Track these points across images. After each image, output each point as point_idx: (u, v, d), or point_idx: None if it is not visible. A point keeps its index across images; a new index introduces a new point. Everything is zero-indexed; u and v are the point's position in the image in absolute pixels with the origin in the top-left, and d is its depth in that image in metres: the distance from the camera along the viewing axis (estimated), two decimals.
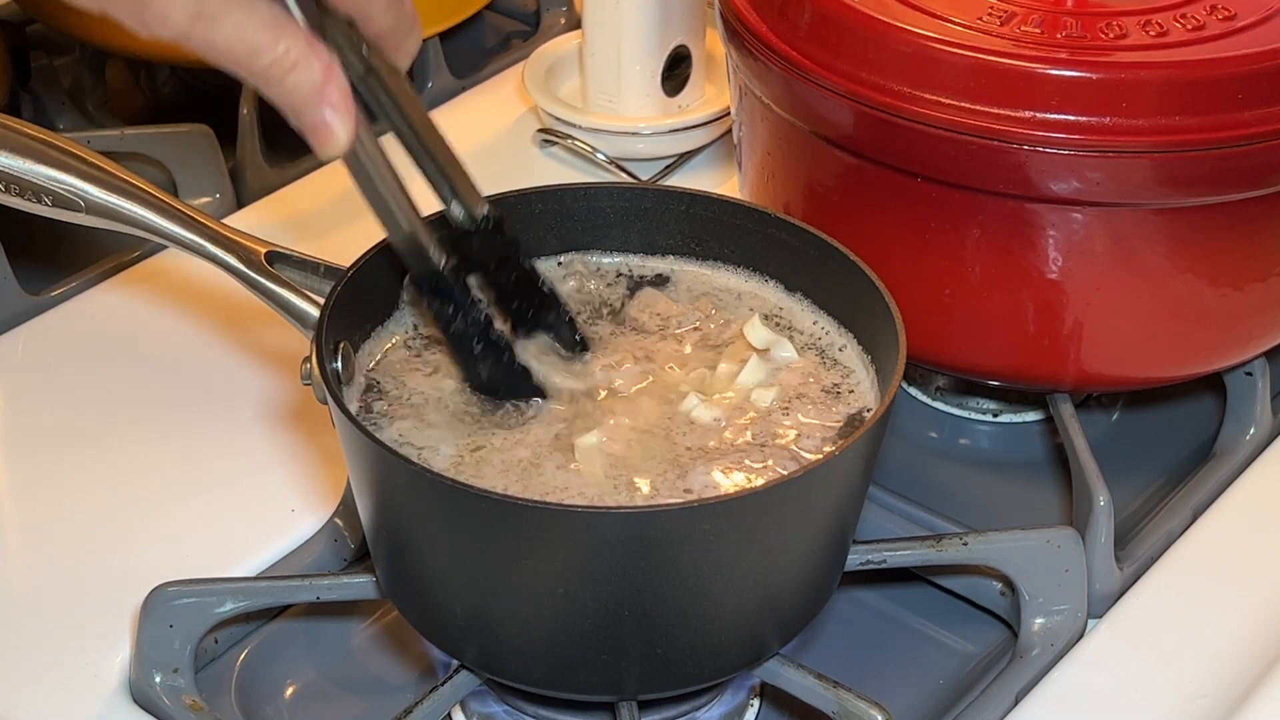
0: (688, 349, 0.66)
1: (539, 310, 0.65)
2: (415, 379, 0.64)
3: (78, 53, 1.06)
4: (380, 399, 0.63)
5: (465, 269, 0.63)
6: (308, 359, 0.61)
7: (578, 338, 0.65)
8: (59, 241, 0.96)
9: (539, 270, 0.66)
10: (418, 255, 0.60)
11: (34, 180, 0.65)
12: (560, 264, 0.70)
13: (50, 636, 0.69)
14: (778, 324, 0.67)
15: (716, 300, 0.68)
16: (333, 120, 0.55)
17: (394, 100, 0.61)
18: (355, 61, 0.59)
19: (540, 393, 0.63)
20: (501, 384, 0.62)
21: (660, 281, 0.69)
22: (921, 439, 0.83)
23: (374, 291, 0.65)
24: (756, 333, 0.65)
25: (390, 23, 0.59)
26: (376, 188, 0.58)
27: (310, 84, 0.54)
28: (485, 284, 0.65)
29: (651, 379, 0.64)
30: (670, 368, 0.65)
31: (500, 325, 0.64)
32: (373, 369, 0.65)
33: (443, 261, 0.60)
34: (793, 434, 0.62)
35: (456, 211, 0.63)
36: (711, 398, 0.63)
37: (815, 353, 0.66)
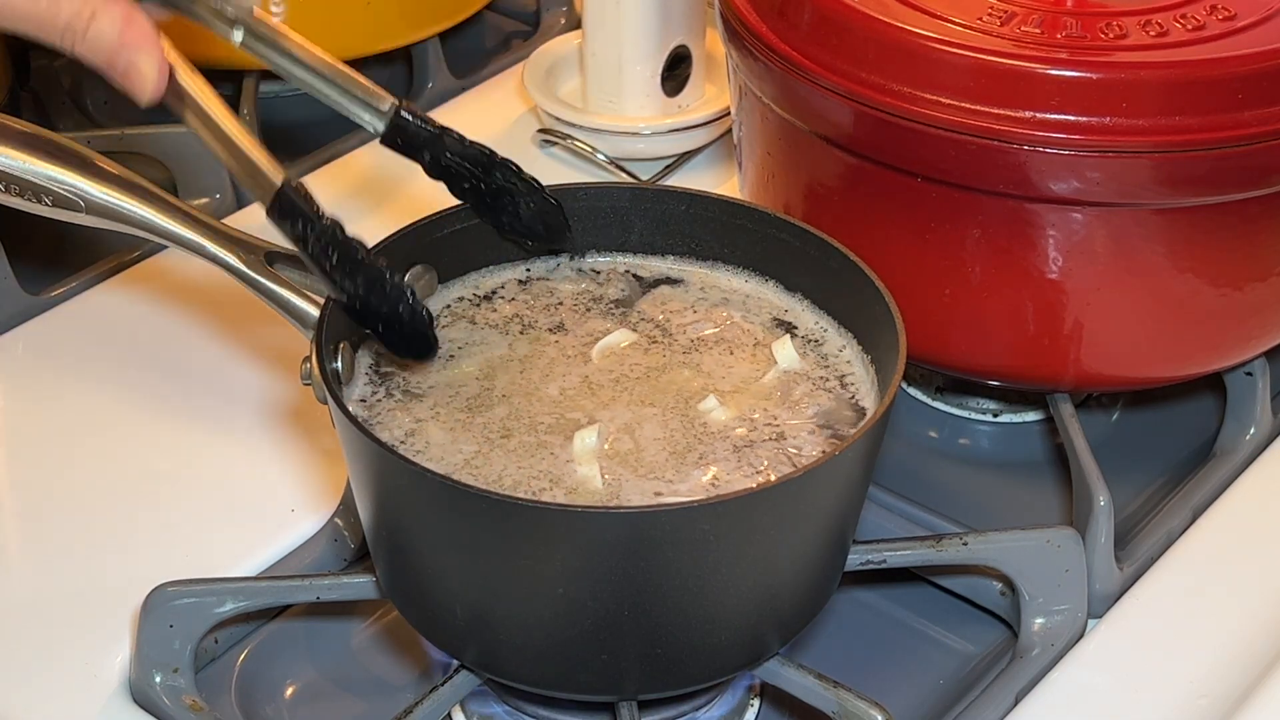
0: (690, 349, 0.66)
1: (498, 182, 0.65)
2: (418, 376, 0.64)
3: None
4: (381, 397, 0.63)
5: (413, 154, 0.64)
6: (307, 359, 0.61)
7: (553, 210, 0.66)
8: (59, 241, 0.96)
9: (484, 149, 0.66)
10: (256, 182, 0.61)
11: (34, 179, 0.65)
12: (559, 264, 0.70)
13: (50, 636, 0.69)
14: (778, 323, 0.67)
15: (720, 301, 0.68)
16: (140, 61, 0.56)
17: (268, 43, 0.63)
18: (225, 26, 0.63)
19: (428, 344, 0.62)
20: (383, 310, 0.61)
21: (661, 282, 0.69)
22: (921, 439, 0.83)
23: None
24: (784, 352, 0.65)
25: None
26: (203, 124, 0.60)
27: (111, 30, 0.55)
28: (435, 172, 0.65)
29: (656, 378, 0.64)
30: (674, 368, 0.65)
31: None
32: (373, 367, 0.65)
33: (281, 180, 0.61)
34: (792, 434, 0.62)
35: (371, 119, 0.65)
36: (709, 398, 0.63)
37: (815, 353, 0.66)
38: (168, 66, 0.57)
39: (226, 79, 1.08)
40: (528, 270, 0.70)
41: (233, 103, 1.00)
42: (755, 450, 0.61)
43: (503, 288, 0.69)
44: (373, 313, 0.61)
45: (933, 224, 0.70)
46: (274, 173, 0.61)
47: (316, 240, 0.60)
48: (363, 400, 0.63)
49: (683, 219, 0.69)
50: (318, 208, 0.61)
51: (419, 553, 0.59)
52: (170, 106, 0.59)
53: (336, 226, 0.61)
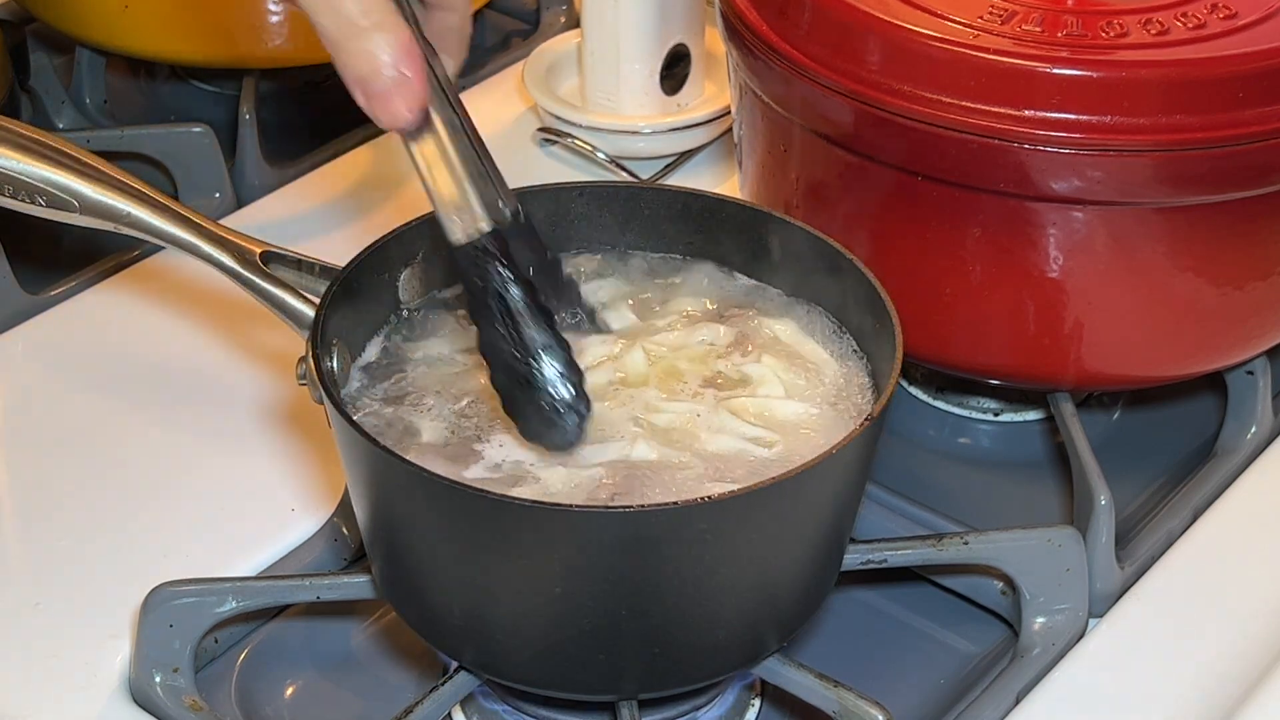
0: (688, 348, 0.66)
1: (560, 300, 0.65)
2: (415, 374, 0.64)
3: (78, 52, 1.06)
4: (376, 396, 0.63)
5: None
6: (303, 359, 0.61)
7: (597, 322, 0.66)
8: (59, 241, 0.96)
9: (560, 260, 0.66)
10: (461, 217, 0.59)
11: (28, 180, 0.65)
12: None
13: (50, 636, 0.69)
14: (776, 323, 0.67)
15: (719, 300, 0.68)
16: (399, 94, 0.54)
17: (438, 97, 0.60)
18: None
19: (564, 439, 0.60)
20: (539, 403, 0.59)
21: (660, 281, 0.69)
22: (922, 438, 0.82)
23: (369, 290, 0.65)
24: (782, 351, 0.65)
25: (452, 23, 0.60)
26: (426, 169, 0.58)
27: (386, 49, 0.54)
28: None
29: (656, 377, 0.64)
30: (674, 366, 0.65)
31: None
32: (371, 366, 0.65)
33: (490, 226, 0.59)
34: (790, 433, 0.62)
35: (480, 214, 0.62)
36: (705, 395, 0.63)
37: (814, 352, 0.66)
38: (423, 110, 0.55)
39: (227, 77, 1.08)
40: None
41: (233, 101, 1.01)
42: (756, 449, 0.61)
43: None
44: (522, 401, 0.59)
45: (933, 223, 0.70)
46: (484, 219, 0.59)
47: (499, 299, 0.59)
48: (359, 399, 0.63)
49: (682, 218, 0.69)
50: (515, 263, 0.59)
51: (415, 552, 0.59)
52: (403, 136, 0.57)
53: (532, 289, 0.59)
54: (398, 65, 0.54)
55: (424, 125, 0.57)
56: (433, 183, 0.58)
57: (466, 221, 0.58)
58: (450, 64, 0.61)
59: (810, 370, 0.65)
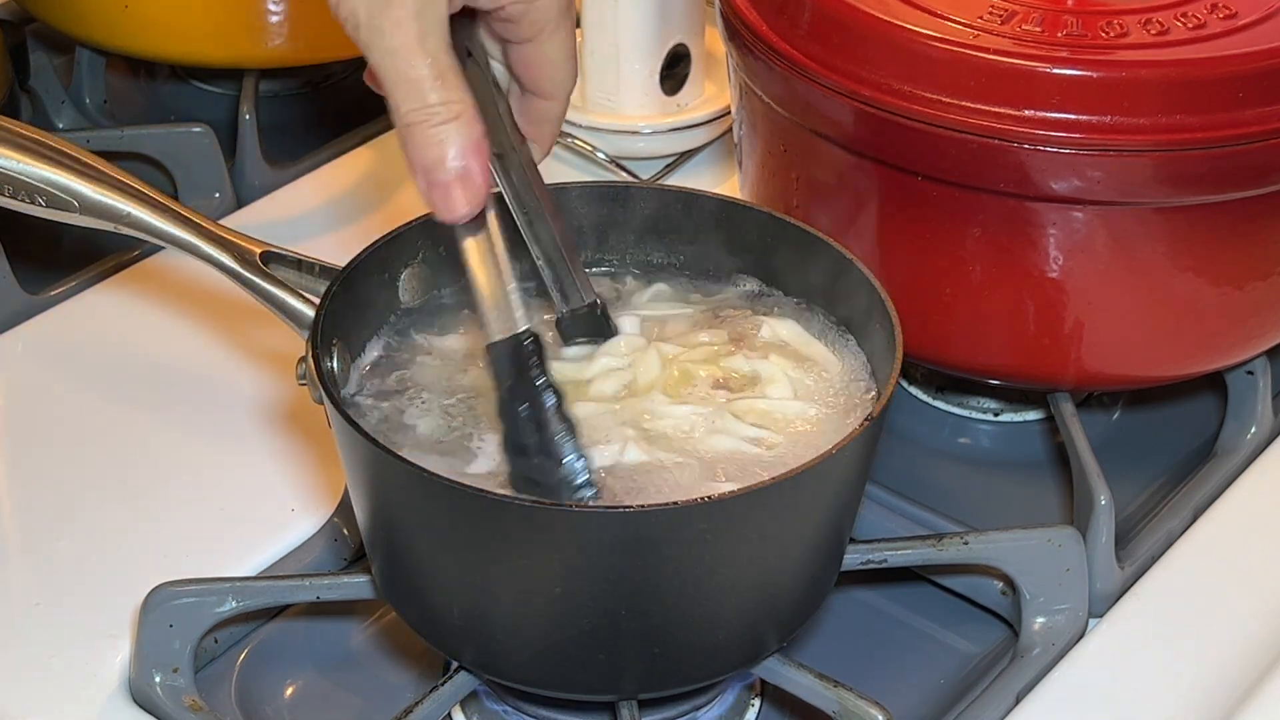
0: (687, 348, 0.66)
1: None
2: (414, 374, 0.64)
3: (78, 52, 1.06)
4: (376, 395, 0.63)
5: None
6: (303, 359, 0.61)
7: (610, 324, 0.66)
8: (58, 241, 0.96)
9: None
10: (500, 317, 0.59)
11: (28, 180, 0.65)
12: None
13: (50, 636, 0.69)
14: (776, 323, 0.67)
15: (719, 301, 0.68)
16: (460, 188, 0.55)
17: (522, 183, 0.61)
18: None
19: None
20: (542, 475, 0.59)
21: (658, 282, 0.69)
22: (922, 438, 0.82)
23: (369, 290, 0.65)
24: (782, 351, 0.65)
25: (551, 112, 0.60)
26: (472, 264, 0.58)
27: (457, 140, 0.54)
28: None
29: (664, 381, 0.64)
30: (670, 367, 0.65)
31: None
32: (370, 366, 0.65)
33: (525, 329, 0.59)
34: (791, 432, 0.62)
35: (556, 301, 0.64)
36: (710, 396, 0.63)
37: (814, 352, 0.66)
38: (480, 207, 0.56)
39: (227, 77, 1.08)
40: None
41: (233, 101, 1.01)
42: (754, 448, 0.61)
43: None
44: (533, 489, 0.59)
45: (933, 223, 0.70)
46: (521, 320, 0.59)
47: (526, 403, 0.59)
48: (359, 399, 0.63)
49: (681, 218, 0.69)
50: (546, 370, 0.59)
51: (414, 552, 0.59)
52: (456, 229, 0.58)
53: (560, 396, 0.59)
54: (464, 158, 0.54)
55: (479, 221, 0.57)
56: (476, 279, 0.59)
57: (504, 321, 0.59)
58: (538, 152, 0.62)
59: (811, 370, 0.65)
